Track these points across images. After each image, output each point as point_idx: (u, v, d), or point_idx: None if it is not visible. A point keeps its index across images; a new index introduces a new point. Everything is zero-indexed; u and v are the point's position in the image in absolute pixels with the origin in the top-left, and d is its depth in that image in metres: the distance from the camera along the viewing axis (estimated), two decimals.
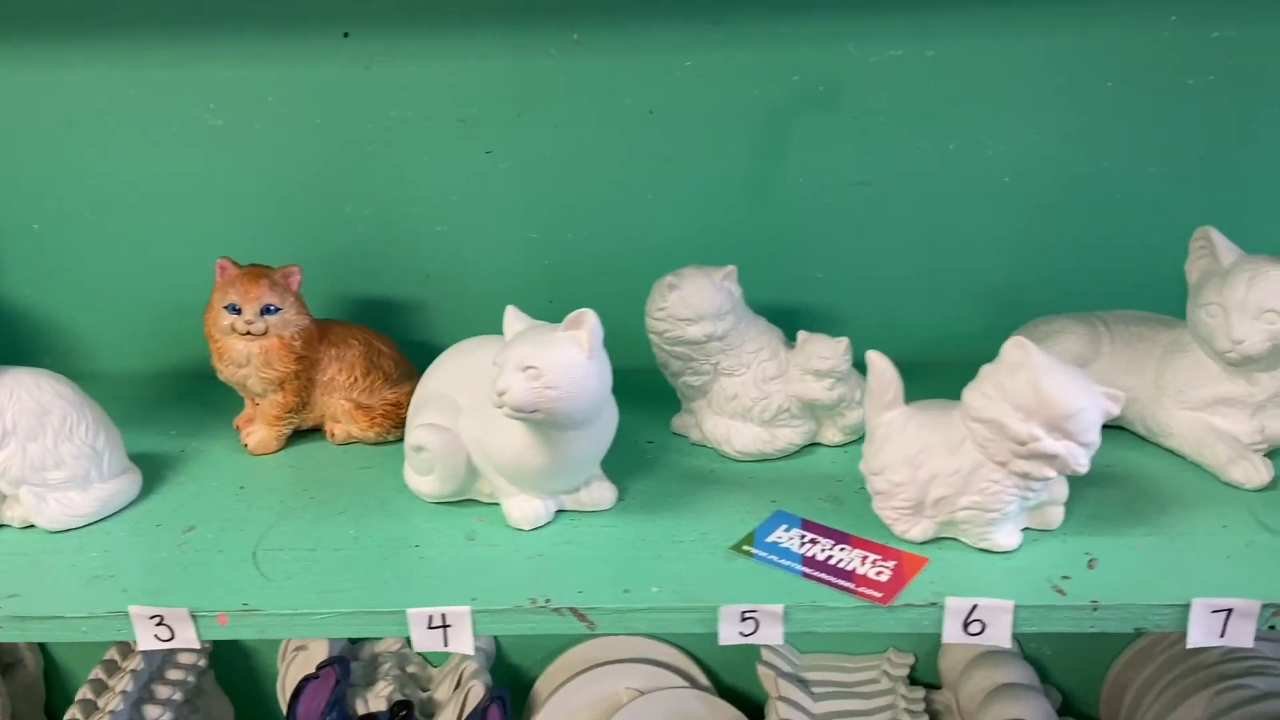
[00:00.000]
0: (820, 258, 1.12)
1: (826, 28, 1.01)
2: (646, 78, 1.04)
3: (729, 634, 0.74)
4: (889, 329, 1.12)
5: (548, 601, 0.75)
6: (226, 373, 0.97)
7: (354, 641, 1.32)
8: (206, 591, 0.78)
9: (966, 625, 0.73)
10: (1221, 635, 0.71)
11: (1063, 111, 1.03)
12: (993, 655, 1.24)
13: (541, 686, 1.30)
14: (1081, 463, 0.74)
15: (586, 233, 1.12)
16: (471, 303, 1.15)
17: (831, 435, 0.96)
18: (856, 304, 1.13)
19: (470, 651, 0.75)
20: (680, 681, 1.27)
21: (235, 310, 0.94)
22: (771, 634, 0.74)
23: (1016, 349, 0.74)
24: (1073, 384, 0.73)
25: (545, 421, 0.77)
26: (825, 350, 0.91)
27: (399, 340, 1.08)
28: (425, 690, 1.32)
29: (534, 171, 1.09)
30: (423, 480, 0.88)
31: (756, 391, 0.92)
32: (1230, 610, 0.70)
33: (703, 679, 1.29)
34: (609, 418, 0.83)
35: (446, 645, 0.76)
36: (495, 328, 1.15)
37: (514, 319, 0.82)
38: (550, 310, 1.14)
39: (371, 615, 0.76)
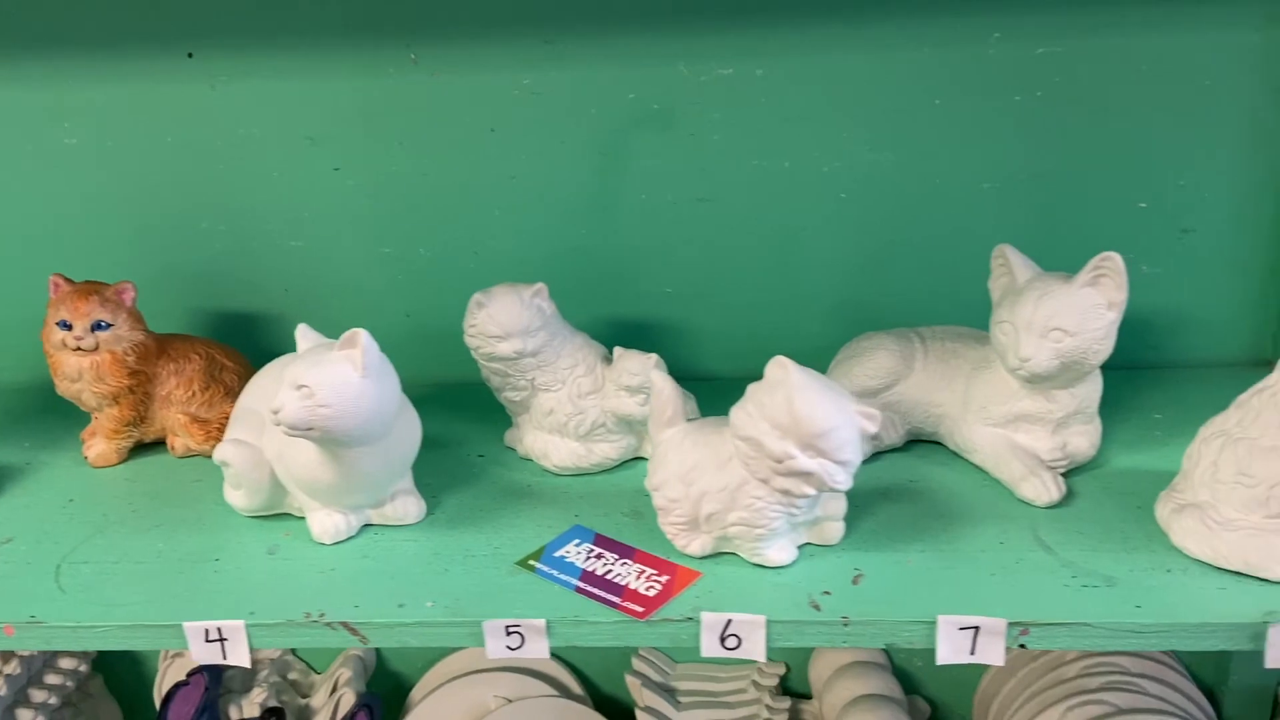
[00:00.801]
0: (668, 273, 1.13)
1: (657, 47, 1.02)
2: (485, 96, 1.06)
3: (496, 648, 0.76)
4: (737, 343, 1.14)
5: (321, 616, 0.77)
6: (62, 387, 0.99)
7: None
8: (1, 603, 0.81)
9: (724, 640, 0.74)
10: (971, 653, 0.72)
11: (894, 129, 1.04)
12: (857, 666, 1.25)
13: (416, 694, 1.32)
14: (839, 480, 0.75)
15: (438, 248, 1.13)
16: (330, 317, 1.16)
17: (652, 450, 0.97)
18: (705, 319, 1.14)
19: (247, 664, 0.77)
20: (550, 690, 1.29)
21: (66, 326, 0.96)
22: (537, 648, 0.75)
23: (776, 367, 0.76)
24: (827, 403, 0.74)
25: (324, 439, 0.78)
26: (635, 366, 0.92)
27: (260, 355, 1.09)
28: (305, 697, 1.34)
29: (383, 188, 1.11)
30: (234, 494, 0.89)
31: (571, 407, 0.94)
32: (978, 628, 0.71)
33: (577, 688, 1.30)
34: (403, 433, 0.85)
35: (225, 658, 0.77)
36: None
37: (303, 337, 0.84)
38: (407, 324, 1.18)
39: (151, 629, 0.78)
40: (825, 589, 0.77)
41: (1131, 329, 1.09)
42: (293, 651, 1.36)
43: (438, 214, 1.12)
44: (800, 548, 0.81)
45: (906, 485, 0.91)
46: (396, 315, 1.16)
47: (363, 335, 0.78)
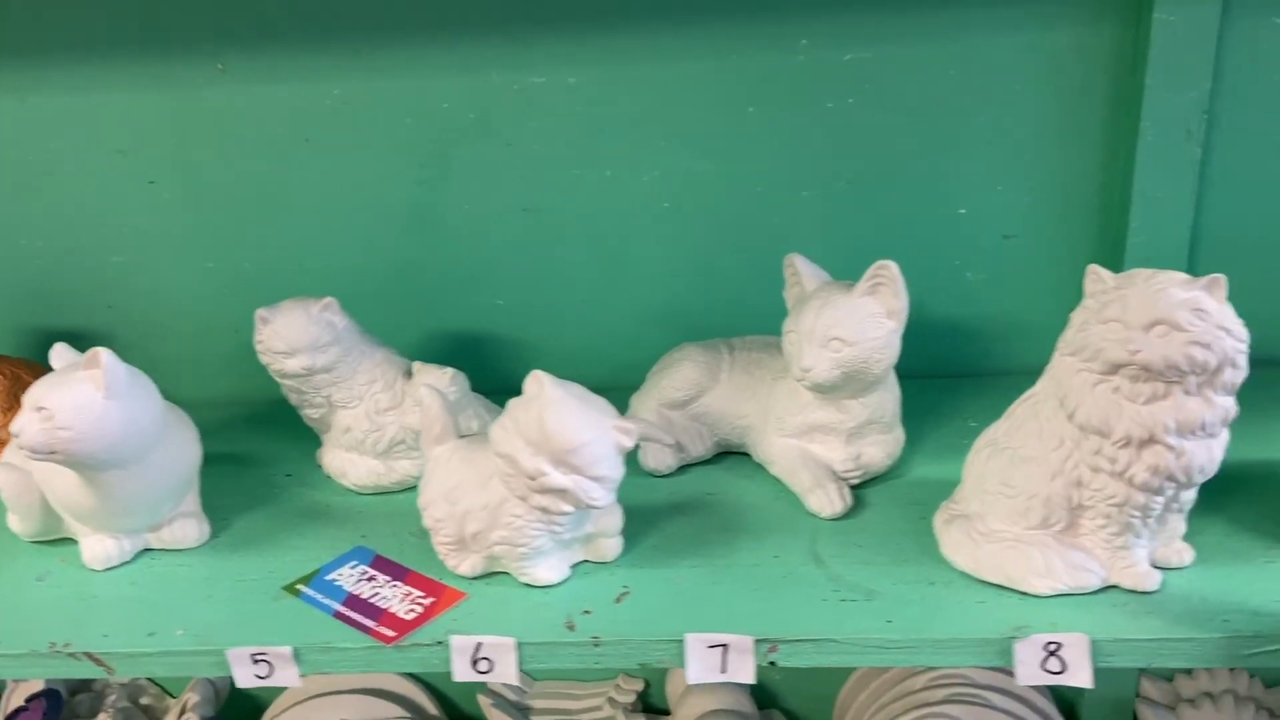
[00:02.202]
0: (498, 285, 1.11)
1: (467, 55, 1.00)
2: (297, 106, 1.04)
3: (244, 677, 0.73)
4: (573, 354, 1.12)
5: (66, 646, 0.74)
6: None
7: None
8: None
9: (475, 664, 0.72)
10: (723, 670, 0.70)
11: (711, 137, 1.02)
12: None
13: (268, 717, 1.29)
14: (595, 496, 0.73)
15: (262, 262, 1.11)
16: (157, 332, 1.15)
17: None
18: (539, 330, 1.12)
19: None
20: (402, 712, 1.26)
21: None
22: (287, 676, 0.73)
23: (532, 382, 0.74)
24: (579, 418, 0.72)
25: (70, 463, 0.76)
26: (431, 381, 0.90)
27: None
28: None
29: (202, 201, 1.09)
30: (11, 519, 0.87)
31: (369, 424, 0.92)
32: (726, 646, 0.70)
33: (432, 709, 1.28)
34: (172, 454, 0.82)
35: None
36: (180, 358, 1.16)
37: (58, 357, 0.81)
38: (236, 340, 1.15)
39: None
40: (587, 608, 0.75)
41: (957, 336, 1.09)
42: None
43: (260, 227, 1.10)
44: (576, 565, 0.80)
45: (704, 499, 0.89)
46: (224, 331, 1.14)
47: (104, 354, 0.75)
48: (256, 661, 0.73)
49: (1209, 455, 0.66)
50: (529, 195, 1.06)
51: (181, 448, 0.83)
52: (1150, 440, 0.66)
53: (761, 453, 0.91)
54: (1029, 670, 0.67)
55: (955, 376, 1.06)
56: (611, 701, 1.27)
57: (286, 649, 0.72)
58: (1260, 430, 0.88)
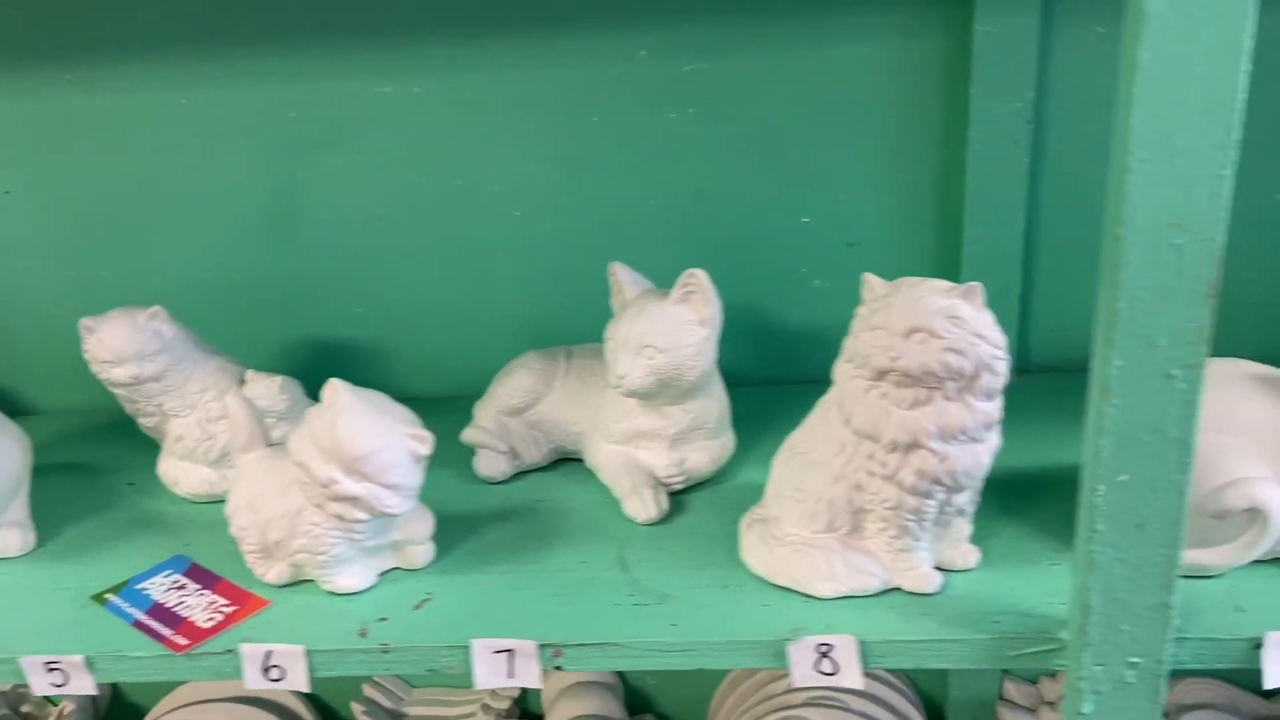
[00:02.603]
0: (357, 293, 1.11)
1: (316, 64, 1.01)
2: (147, 115, 1.04)
3: (40, 685, 0.73)
4: (434, 362, 1.13)
5: None
6: None
7: None
8: None
9: (266, 671, 0.72)
10: (510, 675, 0.71)
11: (559, 147, 1.03)
12: (580, 687, 1.23)
13: None
14: (389, 504, 0.73)
15: (120, 271, 1.11)
16: (19, 344, 1.14)
17: None
18: (400, 339, 1.13)
19: None
20: (272, 718, 1.26)
21: None
22: (83, 684, 0.73)
23: (328, 390, 0.74)
24: (370, 425, 0.72)
25: None
26: (260, 389, 0.91)
27: None
28: None
29: (58, 211, 1.09)
30: None
31: (200, 432, 0.92)
32: (512, 650, 0.70)
33: (307, 716, 1.28)
34: None
35: None
36: (39, 366, 1.16)
37: None
38: None
39: None
40: (386, 615, 0.75)
41: (805, 342, 1.10)
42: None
43: (116, 236, 1.10)
44: (386, 572, 0.80)
45: (532, 505, 0.90)
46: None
47: None
48: (50, 670, 0.73)
49: (974, 459, 0.67)
50: (381, 204, 1.07)
51: (2, 458, 0.83)
52: (914, 445, 0.67)
53: (590, 459, 0.92)
54: (803, 671, 0.68)
55: (805, 383, 1.07)
56: (485, 708, 1.27)
57: (78, 658, 0.72)
58: (1072, 434, 0.90)
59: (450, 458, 0.94)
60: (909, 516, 0.69)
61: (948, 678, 1.19)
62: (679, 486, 0.88)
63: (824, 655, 0.68)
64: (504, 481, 0.93)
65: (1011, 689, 1.20)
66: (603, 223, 1.06)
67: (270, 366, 0.98)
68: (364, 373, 1.14)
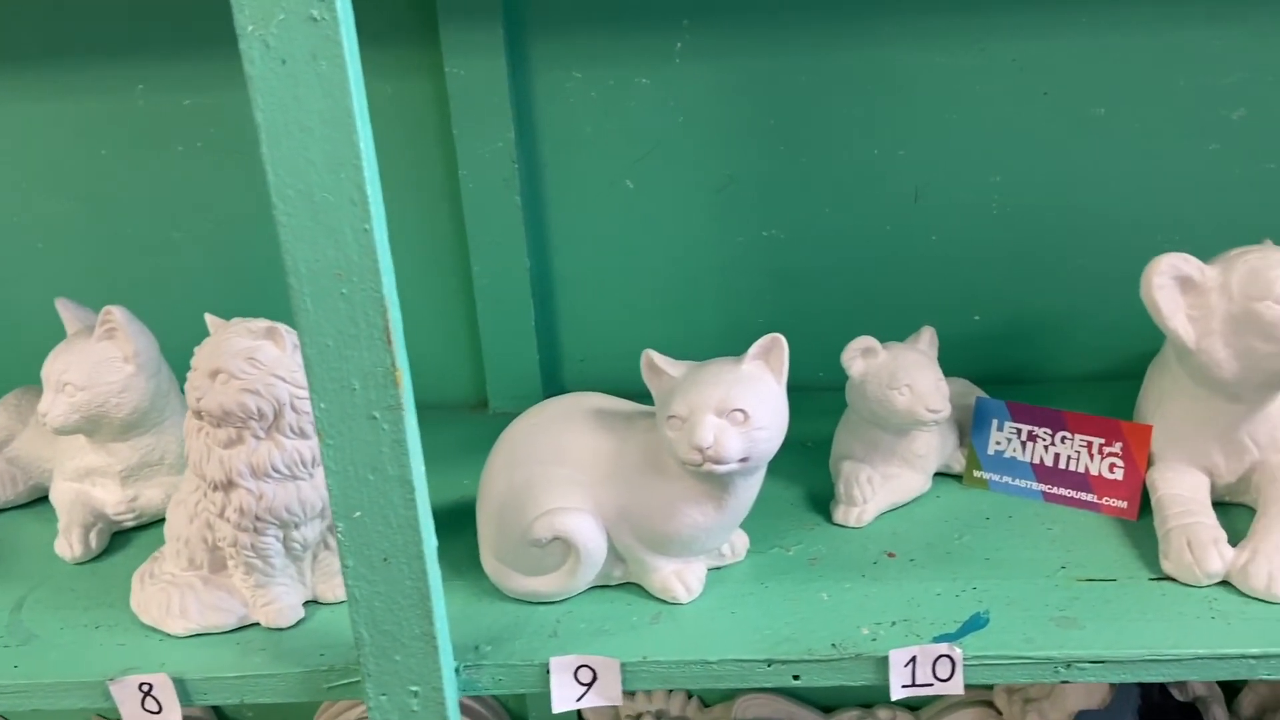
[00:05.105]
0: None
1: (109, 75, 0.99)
2: None
3: None
4: None
5: None
6: None
7: None
8: None
9: None
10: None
11: (72, 179, 1.02)
12: None
13: None
14: None
15: None
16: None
17: None
18: None
19: None
20: None
21: None
22: None
23: None
24: None
25: None
26: None
27: None
28: None
29: None
30: None
31: None
32: None
33: None
34: None
35: None
36: None
37: None
38: None
39: None
40: None
41: None
42: None
43: None
44: None
45: None
46: None
47: None
48: None
49: (296, 495, 0.69)
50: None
51: None
52: (230, 483, 0.68)
53: (51, 496, 0.91)
54: (131, 710, 0.69)
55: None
56: None
57: None
58: None
59: None
60: (249, 553, 0.71)
61: (526, 700, 1.21)
62: (130, 524, 0.88)
63: (147, 694, 0.68)
64: None
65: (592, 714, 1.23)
66: (127, 255, 1.05)
67: None
68: None
